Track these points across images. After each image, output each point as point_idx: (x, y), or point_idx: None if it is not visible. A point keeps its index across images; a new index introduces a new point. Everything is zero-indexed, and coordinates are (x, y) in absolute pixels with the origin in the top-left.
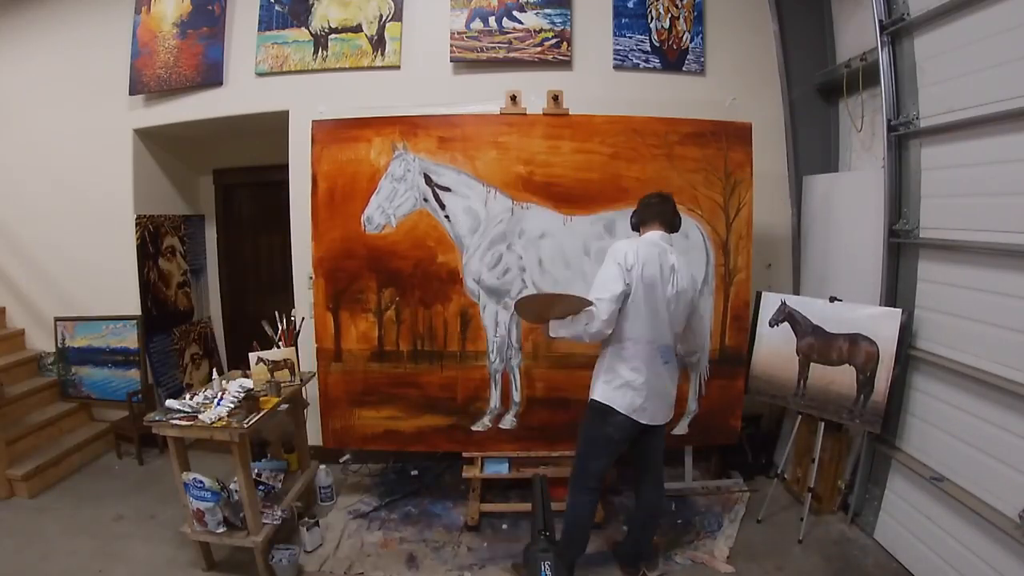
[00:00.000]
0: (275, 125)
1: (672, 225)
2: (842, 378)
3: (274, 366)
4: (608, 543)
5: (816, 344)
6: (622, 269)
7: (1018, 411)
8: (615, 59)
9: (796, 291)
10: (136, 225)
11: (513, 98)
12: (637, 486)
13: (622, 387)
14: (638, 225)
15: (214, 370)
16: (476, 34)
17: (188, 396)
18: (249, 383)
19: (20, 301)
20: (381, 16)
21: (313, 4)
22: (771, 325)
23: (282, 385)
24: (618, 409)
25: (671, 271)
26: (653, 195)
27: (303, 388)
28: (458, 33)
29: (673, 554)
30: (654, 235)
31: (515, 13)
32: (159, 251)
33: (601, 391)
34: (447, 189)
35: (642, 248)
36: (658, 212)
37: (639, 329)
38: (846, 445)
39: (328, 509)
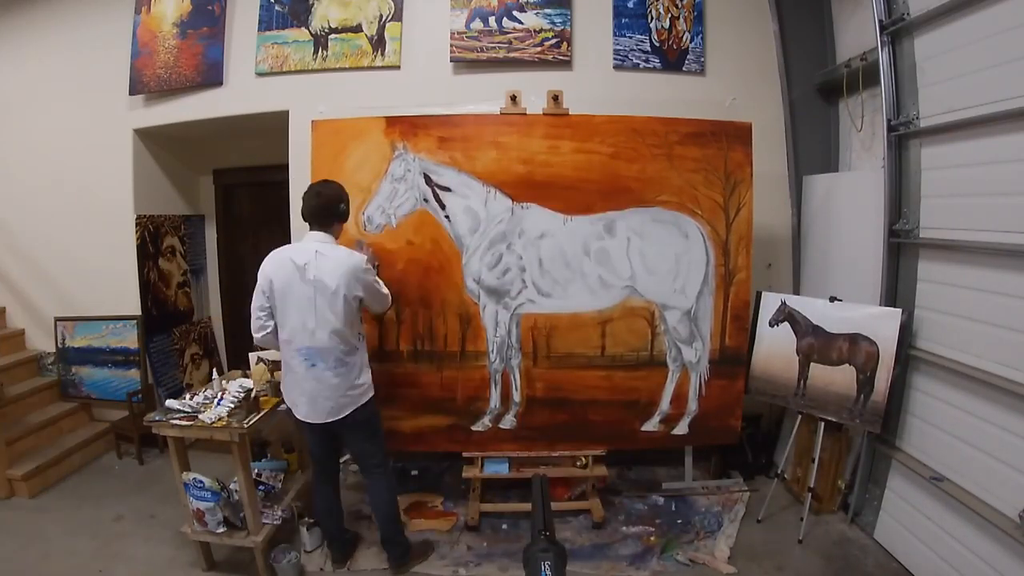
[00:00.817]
0: (275, 125)
1: (319, 220)
2: (842, 378)
3: (274, 366)
4: (607, 539)
5: (816, 344)
6: (260, 288)
7: (1018, 411)
8: (615, 59)
9: (796, 291)
10: (136, 225)
11: (513, 98)
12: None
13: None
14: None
15: (214, 370)
16: (476, 34)
17: (188, 396)
18: (249, 383)
19: (20, 301)
20: (381, 16)
21: (313, 4)
22: (771, 325)
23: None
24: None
25: (303, 269)
26: (308, 192)
27: None
28: (458, 33)
29: (674, 553)
30: (307, 236)
31: (515, 13)
32: (159, 251)
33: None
34: (447, 189)
35: (270, 264)
36: (307, 211)
37: (281, 327)
38: (846, 445)
39: None
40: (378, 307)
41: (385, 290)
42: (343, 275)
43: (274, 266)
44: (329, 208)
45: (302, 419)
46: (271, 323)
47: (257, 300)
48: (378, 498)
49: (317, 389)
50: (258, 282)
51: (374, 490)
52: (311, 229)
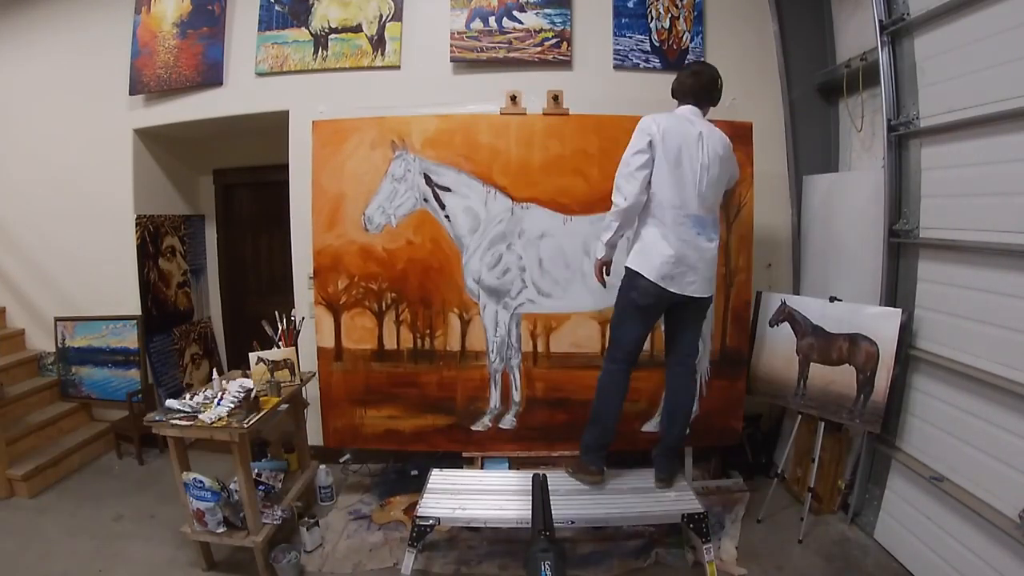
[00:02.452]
0: (275, 125)
1: (704, 99)
2: (842, 378)
3: (274, 366)
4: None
5: (816, 344)
6: (645, 141)
7: (1018, 411)
8: (615, 59)
9: (796, 291)
10: (136, 225)
11: (513, 98)
12: (666, 370)
13: (648, 252)
14: (677, 100)
15: (214, 370)
16: (476, 34)
17: (188, 396)
18: (249, 383)
19: (20, 301)
20: (381, 16)
21: (313, 4)
22: (771, 325)
23: (282, 385)
24: (643, 274)
25: (698, 140)
26: (685, 71)
27: (303, 388)
28: (458, 33)
29: (684, 552)
30: (683, 109)
31: (515, 13)
32: (159, 251)
33: (631, 256)
34: (447, 189)
35: (665, 121)
36: (688, 88)
37: (664, 195)
38: (846, 445)
39: (328, 509)
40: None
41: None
42: (726, 153)
43: (668, 124)
44: (712, 87)
45: (672, 290)
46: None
47: (638, 159)
48: (687, 393)
49: (702, 260)
50: (636, 142)
51: (684, 384)
52: (683, 104)
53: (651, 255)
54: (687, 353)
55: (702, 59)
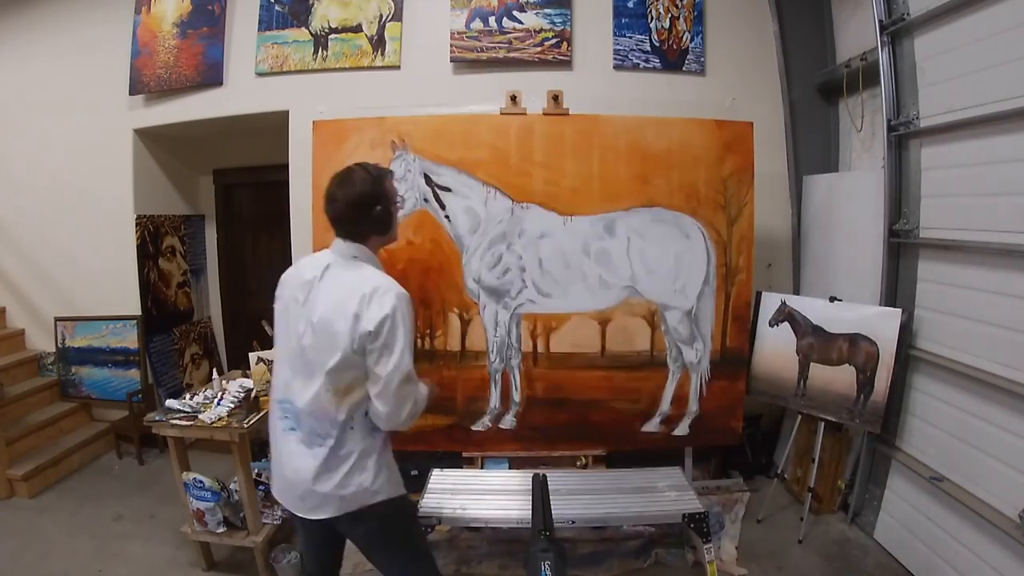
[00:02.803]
0: (275, 125)
1: (343, 228)
2: (842, 378)
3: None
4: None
5: (816, 344)
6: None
7: (1018, 411)
8: (615, 59)
9: (796, 291)
10: (136, 225)
11: (513, 98)
12: None
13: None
14: None
15: (214, 370)
16: (476, 34)
17: (188, 396)
18: (249, 383)
19: (20, 301)
20: (381, 16)
21: (313, 4)
22: (771, 325)
23: None
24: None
25: (305, 287)
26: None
27: None
28: (458, 33)
29: (684, 552)
30: (326, 250)
31: (515, 13)
32: (159, 251)
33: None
34: (447, 189)
35: (298, 265)
36: (329, 215)
37: (273, 375)
38: (846, 445)
39: None
40: (382, 404)
41: (416, 386)
42: (351, 310)
43: (285, 277)
44: (354, 213)
45: (291, 509)
46: None
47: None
48: None
49: (290, 464)
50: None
51: None
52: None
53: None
54: None
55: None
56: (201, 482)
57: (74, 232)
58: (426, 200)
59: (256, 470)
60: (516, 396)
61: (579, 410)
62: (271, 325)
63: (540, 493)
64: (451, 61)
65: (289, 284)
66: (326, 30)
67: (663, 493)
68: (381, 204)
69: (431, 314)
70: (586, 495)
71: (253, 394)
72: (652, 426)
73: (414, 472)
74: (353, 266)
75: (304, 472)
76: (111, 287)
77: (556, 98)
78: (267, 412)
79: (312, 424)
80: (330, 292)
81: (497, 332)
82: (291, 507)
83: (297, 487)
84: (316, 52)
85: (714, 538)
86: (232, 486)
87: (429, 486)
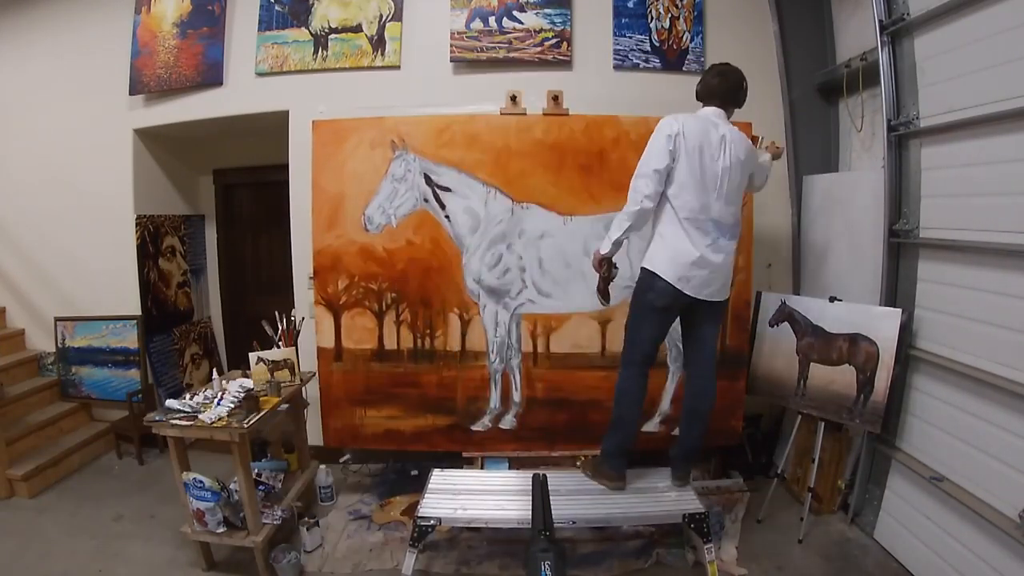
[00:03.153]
0: (275, 125)
1: (730, 100)
2: (842, 378)
3: (274, 366)
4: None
5: (816, 344)
6: (666, 141)
7: (1018, 411)
8: (615, 59)
9: (796, 291)
10: (136, 225)
11: (513, 98)
12: (685, 372)
13: (666, 253)
14: (701, 102)
15: (214, 370)
16: (476, 34)
17: (188, 396)
18: (249, 383)
19: (20, 301)
20: (381, 16)
21: (313, 4)
22: (771, 325)
23: (282, 385)
24: (661, 275)
25: (720, 143)
26: (710, 72)
27: (303, 388)
28: (458, 33)
29: (684, 552)
30: (707, 111)
31: (515, 13)
32: (159, 251)
33: (648, 256)
34: (447, 189)
35: (689, 122)
36: (714, 90)
37: (684, 197)
38: (846, 445)
39: (328, 509)
40: (760, 183)
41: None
42: (748, 157)
43: (691, 125)
44: (737, 89)
45: (689, 294)
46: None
47: (658, 159)
48: (708, 395)
49: (718, 265)
50: (656, 142)
51: (704, 386)
52: (708, 106)
53: (669, 257)
54: (706, 355)
55: (726, 61)
56: (201, 482)
57: (74, 232)
58: (426, 200)
59: (256, 470)
60: (516, 396)
61: (579, 410)
62: (271, 325)
63: (540, 493)
64: (451, 61)
65: (694, 136)
66: (326, 30)
67: (663, 493)
68: (745, 90)
69: (431, 314)
70: (586, 495)
71: (253, 394)
72: (652, 426)
73: (414, 472)
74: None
75: (729, 262)
76: (111, 287)
77: (556, 98)
78: (267, 412)
79: (732, 230)
80: (736, 144)
81: (497, 332)
82: (700, 294)
83: (718, 278)
84: (316, 52)
85: (714, 538)
86: (232, 486)
87: (430, 486)
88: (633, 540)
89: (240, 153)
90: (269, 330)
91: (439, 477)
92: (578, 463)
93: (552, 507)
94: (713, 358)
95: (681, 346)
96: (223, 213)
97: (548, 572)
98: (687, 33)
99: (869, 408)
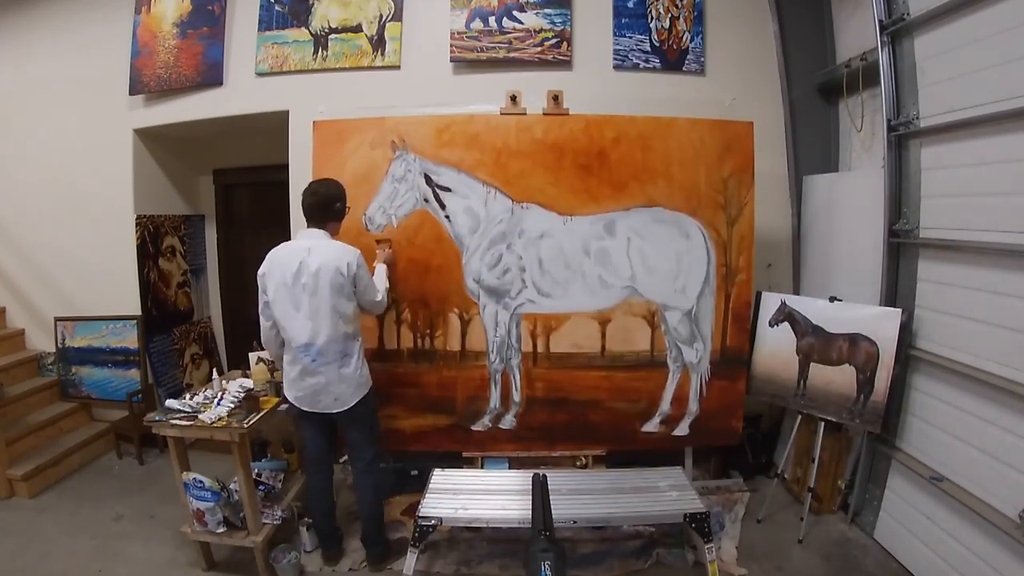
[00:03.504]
0: (275, 125)
1: (315, 217)
2: (842, 378)
3: (274, 366)
4: (604, 542)
5: (816, 344)
6: (261, 288)
7: (1018, 411)
8: (615, 59)
9: (796, 291)
10: (136, 225)
11: (513, 98)
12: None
13: (285, 379)
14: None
15: (214, 370)
16: (476, 34)
17: (188, 396)
18: (249, 383)
19: (20, 301)
20: (381, 16)
21: (313, 4)
22: (771, 325)
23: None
24: (287, 397)
25: (299, 264)
26: (305, 191)
27: None
28: (458, 33)
29: (684, 552)
30: (300, 233)
31: (515, 13)
32: (159, 251)
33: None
34: (447, 189)
35: (274, 254)
36: (305, 208)
37: (285, 330)
38: (846, 445)
39: None
40: (367, 304)
41: (378, 288)
42: (335, 267)
43: (269, 266)
44: (325, 206)
45: (305, 409)
46: (276, 330)
47: (261, 308)
48: (365, 496)
49: (320, 383)
50: (259, 287)
51: (363, 487)
52: (308, 226)
53: (286, 383)
54: (358, 456)
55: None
56: (201, 482)
57: (74, 232)
58: (426, 200)
59: (256, 470)
60: (516, 396)
61: (579, 410)
62: None
63: (540, 493)
64: (451, 61)
65: (277, 267)
66: (326, 30)
67: (664, 493)
68: (340, 202)
69: (431, 314)
70: (586, 495)
71: (253, 394)
72: (652, 426)
73: (414, 472)
74: (329, 241)
75: (341, 378)
76: (111, 287)
77: (556, 98)
78: (267, 412)
79: (334, 349)
80: (322, 258)
81: (497, 332)
82: (316, 408)
83: (339, 389)
84: (316, 52)
85: (715, 538)
86: (232, 486)
87: (430, 486)
88: (633, 540)
89: (240, 153)
90: None
91: (440, 477)
92: (578, 463)
93: (552, 507)
94: (366, 460)
95: (680, 346)
96: (223, 213)
97: (548, 572)
98: (687, 33)
99: (869, 408)
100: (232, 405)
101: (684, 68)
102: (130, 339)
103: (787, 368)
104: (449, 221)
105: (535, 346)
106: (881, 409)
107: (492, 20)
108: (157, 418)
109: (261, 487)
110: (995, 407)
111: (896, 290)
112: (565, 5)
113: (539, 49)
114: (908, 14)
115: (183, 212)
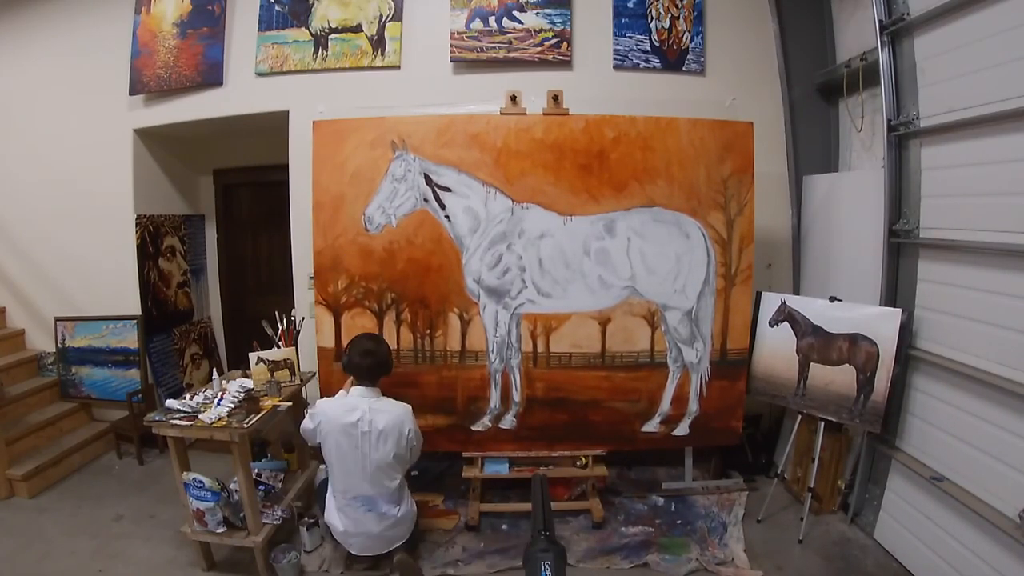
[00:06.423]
0: (275, 125)
1: (369, 377)
2: (842, 378)
3: (274, 366)
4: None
5: (816, 344)
6: (312, 422)
7: (1018, 411)
8: (615, 59)
9: (796, 291)
10: (136, 225)
11: (513, 98)
12: None
13: (329, 519)
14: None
15: (214, 370)
16: (476, 34)
17: (188, 396)
18: (249, 383)
19: (20, 301)
20: (381, 16)
21: (313, 4)
22: (771, 325)
23: (282, 385)
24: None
25: (355, 424)
26: (354, 346)
27: (303, 388)
28: (458, 33)
29: (691, 557)
30: (353, 390)
31: (515, 13)
32: (159, 251)
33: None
34: (447, 189)
35: (328, 408)
36: (355, 367)
37: (334, 477)
38: (846, 445)
39: None
40: (415, 456)
41: (418, 439)
42: (396, 422)
43: (327, 417)
44: (382, 365)
45: (359, 554)
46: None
47: (308, 424)
48: None
49: (375, 529)
50: (312, 416)
51: None
52: (357, 384)
53: (331, 524)
54: None
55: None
56: (201, 482)
57: (74, 232)
58: (426, 200)
59: (256, 470)
60: (516, 396)
61: (579, 410)
62: (271, 325)
63: (540, 493)
64: (451, 61)
65: (335, 421)
66: (326, 30)
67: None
68: (392, 358)
69: (431, 314)
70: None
71: (253, 394)
72: (652, 426)
73: (414, 472)
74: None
75: (389, 524)
76: (111, 287)
77: (556, 98)
78: (267, 412)
79: (385, 499)
80: (387, 419)
81: (497, 332)
82: (373, 552)
83: (386, 533)
84: (316, 52)
85: (721, 544)
86: (232, 486)
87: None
88: (633, 539)
89: (240, 153)
90: (269, 330)
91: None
92: (578, 463)
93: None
94: None
95: (680, 346)
96: (223, 213)
97: (548, 572)
98: (687, 33)
99: (869, 408)
100: (232, 405)
101: (684, 68)
102: (130, 339)
103: (787, 368)
104: (449, 221)
105: (535, 346)
106: (881, 409)
107: (492, 20)
108: (157, 418)
109: (261, 487)
110: (995, 407)
111: (896, 290)
112: (565, 5)
113: (539, 49)
114: (908, 14)
115: (183, 212)
